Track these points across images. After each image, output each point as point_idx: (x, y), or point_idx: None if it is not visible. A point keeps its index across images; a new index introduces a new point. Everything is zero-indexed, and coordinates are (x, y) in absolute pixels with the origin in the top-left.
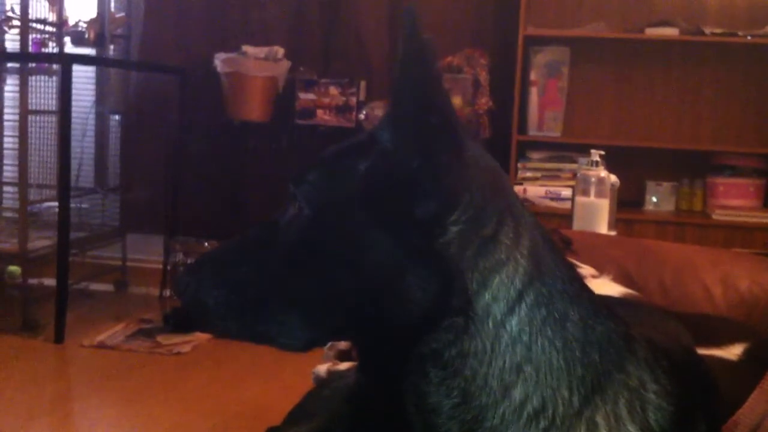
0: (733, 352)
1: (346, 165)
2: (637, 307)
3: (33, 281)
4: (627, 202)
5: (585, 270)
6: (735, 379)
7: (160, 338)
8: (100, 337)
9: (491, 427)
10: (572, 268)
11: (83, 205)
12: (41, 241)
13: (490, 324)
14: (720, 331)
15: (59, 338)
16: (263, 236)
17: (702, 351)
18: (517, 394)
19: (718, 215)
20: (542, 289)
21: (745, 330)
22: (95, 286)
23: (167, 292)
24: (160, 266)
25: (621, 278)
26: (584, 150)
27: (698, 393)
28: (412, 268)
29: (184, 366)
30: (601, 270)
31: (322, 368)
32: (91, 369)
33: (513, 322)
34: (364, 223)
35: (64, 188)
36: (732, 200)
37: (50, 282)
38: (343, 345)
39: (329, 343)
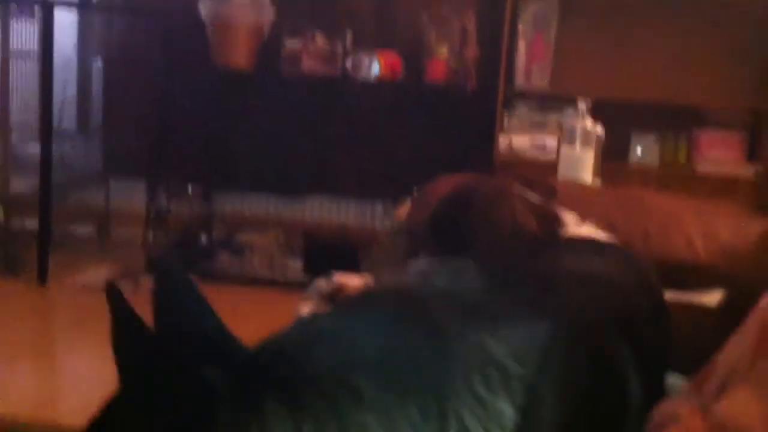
0: (713, 298)
1: None
2: (609, 250)
3: (15, 223)
4: (612, 155)
5: (568, 217)
6: (713, 325)
7: (144, 281)
8: (84, 279)
9: None
10: None
11: (65, 148)
12: (23, 183)
13: None
14: (700, 279)
15: (42, 279)
16: None
17: (681, 297)
18: None
19: (701, 168)
20: None
21: (725, 278)
22: (78, 230)
23: (151, 237)
24: (144, 211)
25: (604, 227)
26: (571, 102)
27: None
28: None
29: None
30: (585, 218)
31: (305, 309)
32: (75, 310)
33: None
34: None
35: (46, 130)
36: (716, 153)
37: (33, 224)
38: (326, 288)
39: (313, 285)
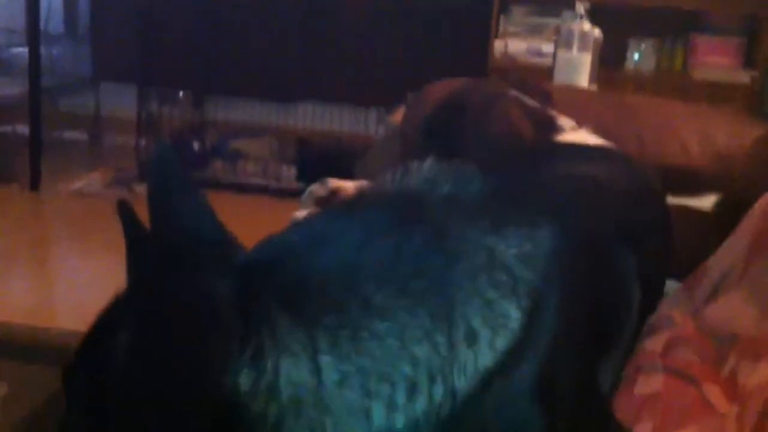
0: (707, 202)
1: (106, 355)
2: (611, 155)
3: (5, 129)
4: (608, 60)
5: (564, 122)
6: (707, 229)
7: (137, 187)
8: (77, 185)
9: None
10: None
11: (54, 52)
12: (12, 88)
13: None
14: (694, 183)
15: (35, 185)
16: None
17: (676, 201)
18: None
19: (698, 74)
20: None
21: (720, 182)
22: (69, 135)
23: (142, 142)
24: (135, 116)
25: (599, 131)
26: (569, 5)
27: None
28: None
29: None
30: (580, 123)
31: (301, 215)
32: (69, 216)
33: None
34: None
35: (33, 34)
36: (712, 59)
37: (23, 130)
38: (321, 193)
39: (308, 190)
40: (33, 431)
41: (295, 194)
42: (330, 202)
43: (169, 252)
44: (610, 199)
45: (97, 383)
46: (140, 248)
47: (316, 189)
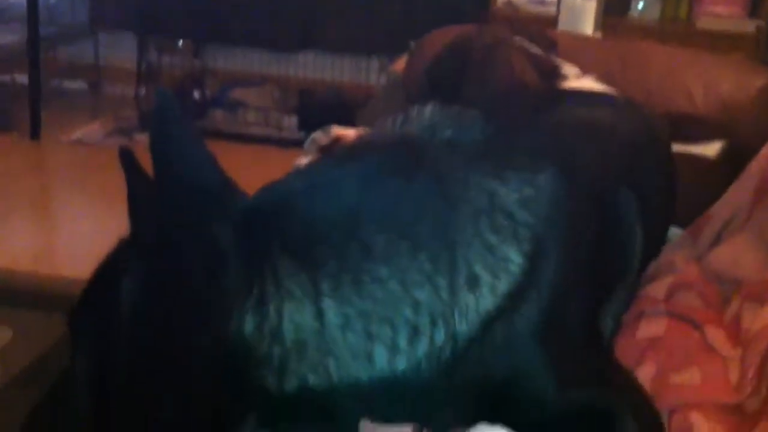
0: (712, 149)
1: (111, 300)
2: (616, 102)
3: (5, 78)
4: (613, 8)
5: (569, 70)
6: (711, 176)
7: (137, 137)
8: (77, 135)
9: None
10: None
11: (51, 1)
12: (10, 37)
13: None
14: (699, 130)
15: (35, 134)
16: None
17: (680, 148)
18: (378, 355)
19: (703, 23)
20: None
21: (724, 129)
22: (69, 85)
23: (142, 92)
24: (135, 65)
25: (604, 79)
26: None
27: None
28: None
29: None
30: (585, 71)
31: (304, 162)
32: (70, 165)
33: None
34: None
35: None
36: (717, 8)
37: (22, 79)
38: (324, 140)
39: (310, 138)
40: (37, 377)
41: (296, 144)
42: (332, 149)
43: (172, 198)
44: (614, 144)
45: (102, 327)
46: (143, 195)
47: (319, 136)
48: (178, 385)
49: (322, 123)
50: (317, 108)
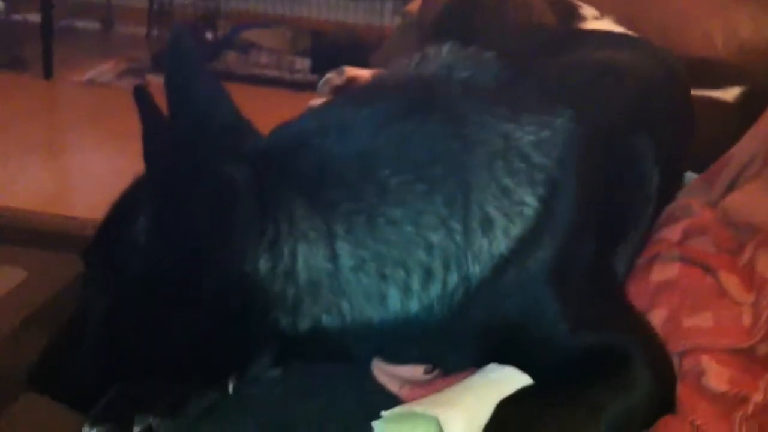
0: (730, 94)
1: (126, 238)
2: (634, 44)
3: (17, 17)
4: None
5: (587, 11)
6: (729, 121)
7: (149, 77)
8: (89, 75)
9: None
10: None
11: None
12: None
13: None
14: (718, 74)
15: (48, 74)
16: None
17: (699, 92)
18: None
19: None
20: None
21: (743, 74)
22: (81, 24)
23: (154, 32)
24: (147, 5)
25: (623, 21)
26: None
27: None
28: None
29: None
30: (604, 12)
31: (318, 103)
32: (82, 105)
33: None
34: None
35: None
36: None
37: (35, 18)
38: (337, 81)
39: (324, 78)
40: (50, 317)
41: (309, 86)
42: (346, 90)
43: (186, 137)
44: (632, 85)
45: (117, 263)
46: (157, 134)
47: (333, 77)
48: (190, 321)
49: (335, 65)
50: (330, 50)
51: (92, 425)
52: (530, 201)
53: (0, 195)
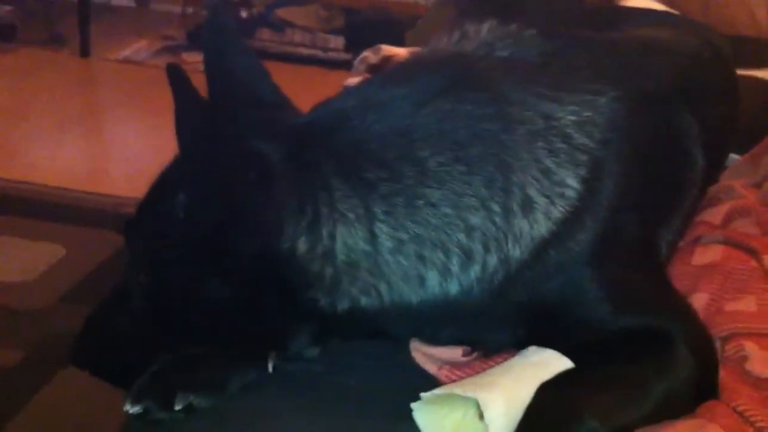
0: None
1: (166, 213)
2: (677, 21)
3: None
4: None
5: None
6: None
7: (184, 55)
8: (125, 52)
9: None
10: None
11: None
12: None
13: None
14: (762, 54)
15: (85, 52)
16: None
17: (742, 72)
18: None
19: None
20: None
21: None
22: (117, 1)
23: (189, 10)
24: None
25: None
26: None
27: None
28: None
29: None
30: None
31: (353, 82)
32: (118, 83)
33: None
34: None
35: None
36: None
37: None
38: (373, 59)
39: (360, 56)
40: (87, 293)
41: (343, 64)
42: (382, 68)
43: (222, 115)
44: (675, 64)
45: (157, 239)
46: (191, 112)
47: (369, 55)
48: (229, 294)
49: (369, 43)
50: (363, 28)
51: (134, 402)
52: (572, 182)
53: (38, 172)
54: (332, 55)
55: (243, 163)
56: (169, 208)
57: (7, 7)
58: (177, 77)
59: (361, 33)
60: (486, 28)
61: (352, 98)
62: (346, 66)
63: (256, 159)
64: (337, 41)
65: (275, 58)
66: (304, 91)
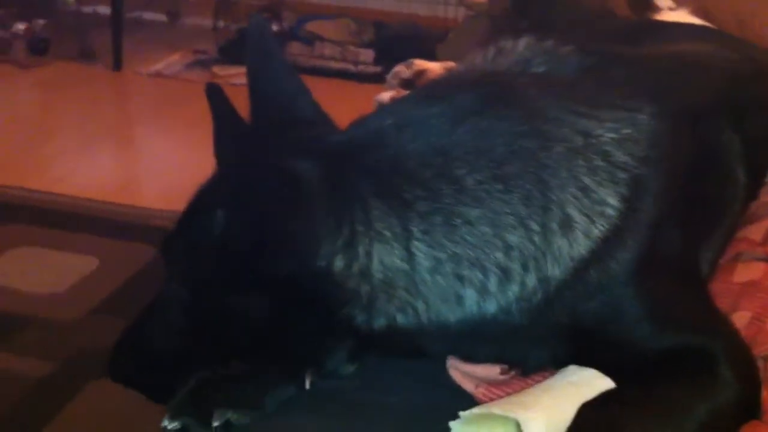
0: None
1: (204, 229)
2: (714, 34)
3: (87, 9)
4: None
5: (662, 2)
6: None
7: (216, 69)
8: (157, 67)
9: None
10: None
11: None
12: None
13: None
14: None
15: (117, 66)
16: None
17: None
18: (467, 299)
19: None
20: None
21: None
22: (149, 16)
23: (220, 24)
24: None
25: (698, 12)
26: None
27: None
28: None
29: (241, 97)
30: (679, 3)
31: (386, 96)
32: (150, 96)
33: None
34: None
35: None
36: None
37: (104, 10)
38: (406, 74)
39: (393, 71)
40: (120, 305)
41: (373, 78)
42: (415, 83)
43: (259, 134)
44: (715, 79)
45: (195, 254)
46: (229, 131)
47: (402, 69)
48: (266, 312)
49: (399, 57)
50: (393, 41)
51: (172, 418)
52: (612, 201)
53: (71, 185)
54: (362, 68)
55: (279, 182)
56: (207, 224)
57: (41, 21)
58: (216, 96)
59: (391, 46)
60: (522, 44)
61: (388, 116)
62: (376, 79)
63: (292, 178)
64: (367, 54)
65: (305, 71)
66: (335, 104)
